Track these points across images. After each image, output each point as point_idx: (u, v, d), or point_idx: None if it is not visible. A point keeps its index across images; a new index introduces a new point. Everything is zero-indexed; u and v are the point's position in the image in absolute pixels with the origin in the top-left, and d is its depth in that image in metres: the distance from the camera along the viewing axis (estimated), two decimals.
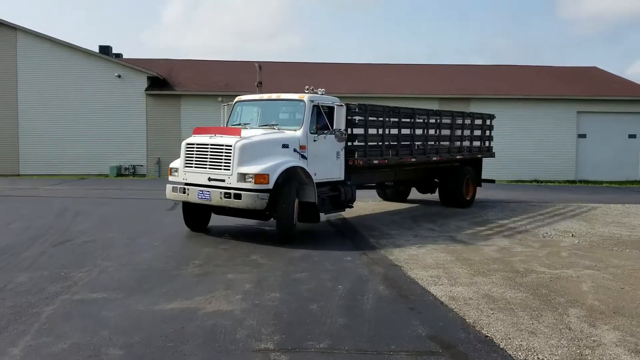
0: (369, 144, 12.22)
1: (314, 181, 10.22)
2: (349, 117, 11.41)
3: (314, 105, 10.64)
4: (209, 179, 9.81)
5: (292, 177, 9.98)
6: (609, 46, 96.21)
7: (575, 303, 6.55)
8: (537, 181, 27.21)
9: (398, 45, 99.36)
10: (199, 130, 10.52)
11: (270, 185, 9.44)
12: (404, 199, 16.66)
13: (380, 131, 12.57)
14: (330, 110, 10.81)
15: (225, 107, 12.18)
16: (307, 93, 10.96)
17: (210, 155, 9.89)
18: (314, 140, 10.52)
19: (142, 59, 31.15)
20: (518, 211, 14.73)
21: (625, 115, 29.16)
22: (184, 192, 10.11)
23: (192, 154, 10.17)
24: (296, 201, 9.95)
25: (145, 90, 27.05)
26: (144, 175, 26.52)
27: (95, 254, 8.76)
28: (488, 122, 16.79)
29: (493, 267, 8.32)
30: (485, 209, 14.91)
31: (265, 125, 10.87)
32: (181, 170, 10.33)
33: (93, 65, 27.37)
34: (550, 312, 6.21)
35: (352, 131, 11.69)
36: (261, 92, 12.21)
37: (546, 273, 7.99)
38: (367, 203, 15.53)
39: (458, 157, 15.29)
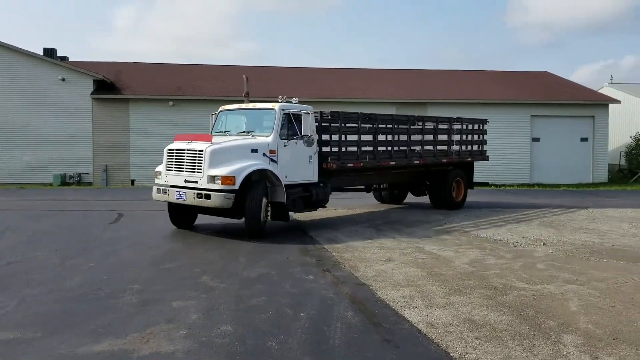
0: (347, 148, 12.91)
1: (286, 183, 11.05)
2: (324, 124, 12.32)
3: (284, 114, 11.36)
4: (185, 181, 10.74)
5: (260, 179, 10.84)
6: (554, 53, 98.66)
7: (567, 327, 5.73)
8: (495, 185, 26.89)
9: (348, 51, 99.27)
10: (178, 137, 11.54)
11: (236, 186, 10.25)
12: (399, 202, 17.16)
13: (355, 137, 13.08)
14: (300, 117, 11.45)
15: (213, 115, 12.95)
16: (280, 102, 11.65)
17: (187, 159, 10.79)
18: (285, 146, 11.26)
19: (88, 62, 29.42)
20: (482, 217, 14.05)
21: (577, 119, 29.26)
22: (165, 193, 11.02)
23: (172, 159, 11.11)
24: (264, 201, 10.74)
25: (91, 94, 25.45)
26: (90, 184, 24.86)
27: (17, 279, 7.48)
28: (479, 126, 16.98)
29: (469, 284, 7.47)
30: (450, 216, 14.17)
31: (243, 132, 11.74)
32: (163, 173, 11.25)
33: (36, 69, 25.64)
34: (543, 340, 5.37)
35: (329, 137, 12.50)
36: (249, 102, 13.18)
37: (527, 290, 7.19)
38: (335, 210, 14.59)
39: (444, 160, 15.56)
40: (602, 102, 29.96)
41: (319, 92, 26.87)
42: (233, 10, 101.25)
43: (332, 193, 12.74)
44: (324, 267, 8.37)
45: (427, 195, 16.20)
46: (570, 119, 29.16)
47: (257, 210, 10.54)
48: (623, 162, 33.12)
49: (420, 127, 14.88)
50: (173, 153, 11.12)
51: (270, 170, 10.86)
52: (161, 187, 11.20)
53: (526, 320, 5.94)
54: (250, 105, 12.48)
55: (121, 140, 25.27)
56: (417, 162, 14.73)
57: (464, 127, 16.28)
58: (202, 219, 12.09)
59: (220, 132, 12.17)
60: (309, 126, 11.41)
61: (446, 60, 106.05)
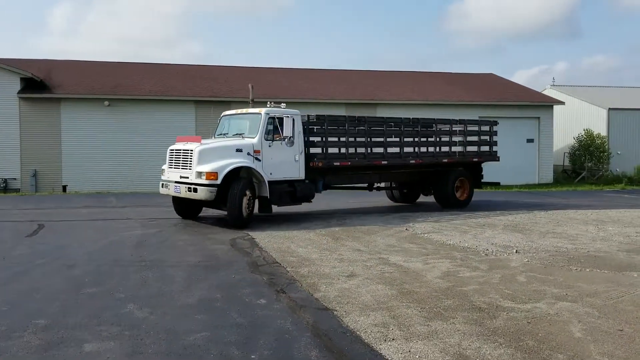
0: (341, 149, 14.06)
1: (271, 179, 12.27)
2: (310, 126, 13.53)
3: (269, 117, 12.52)
4: (180, 177, 12.16)
5: (247, 176, 12.15)
6: (493, 58, 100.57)
7: None
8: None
9: (297, 52, 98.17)
10: (179, 139, 12.90)
11: (219, 181, 11.51)
12: (411, 201, 17.64)
13: (343, 138, 14.02)
14: (290, 121, 12.61)
15: (219, 120, 14.11)
16: (267, 107, 12.92)
17: (182, 158, 12.18)
18: (269, 146, 12.39)
19: (15, 59, 26.90)
20: (442, 222, 13.03)
21: (523, 120, 29.02)
22: (167, 187, 12.52)
23: (172, 158, 12.56)
24: (247, 195, 11.85)
25: (18, 93, 23.09)
26: (17, 190, 22.53)
27: None
28: (487, 128, 17.11)
29: (449, 304, 6.29)
30: (409, 220, 13.08)
31: (236, 134, 12.90)
32: (166, 171, 12.79)
33: None
34: None
35: (320, 138, 13.62)
36: (254, 107, 14.35)
37: (516, 310, 6.07)
38: (283, 223, 13.24)
39: (445, 160, 15.91)
40: (547, 104, 29.87)
41: (269, 91, 25.43)
42: (178, 11, 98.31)
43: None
44: (278, 287, 7.03)
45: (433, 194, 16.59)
46: (517, 120, 28.85)
47: (238, 203, 11.64)
48: (567, 162, 33.21)
49: (417, 129, 15.36)
50: (173, 153, 12.63)
51: (253, 168, 12.04)
52: (164, 182, 12.72)
53: (530, 355, 4.79)
54: (244, 110, 13.71)
55: (52, 142, 23.04)
56: (413, 162, 15.20)
57: (467, 128, 16.55)
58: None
59: (221, 134, 13.49)
60: (289, 128, 12.51)
61: (392, 62, 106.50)
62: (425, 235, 11.11)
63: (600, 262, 8.63)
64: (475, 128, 16.91)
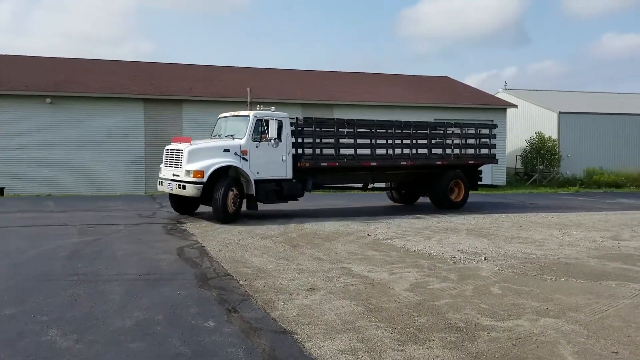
0: (339, 150, 14.52)
1: (257, 178, 12.87)
2: (299, 128, 14.09)
3: (257, 120, 13.15)
4: (173, 175, 12.82)
5: (235, 175, 12.80)
6: (444, 62, 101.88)
7: None
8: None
9: (252, 52, 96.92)
10: (174, 139, 13.61)
11: (205, 179, 12.17)
12: (410, 202, 17.66)
13: (332, 140, 14.46)
14: (275, 123, 13.11)
15: (216, 122, 14.73)
16: (255, 110, 13.69)
17: (175, 157, 12.85)
18: (256, 147, 13.00)
19: None
20: (404, 226, 12.38)
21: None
22: (162, 185, 13.27)
23: (167, 157, 13.27)
24: (232, 192, 12.45)
25: None
26: None
27: None
28: (485, 131, 17.15)
29: (422, 323, 5.56)
30: (370, 224, 12.36)
31: (228, 135, 13.46)
32: (162, 169, 13.47)
33: None
34: None
35: (312, 140, 14.13)
36: (252, 109, 14.26)
37: (497, 329, 5.39)
38: (234, 227, 12.28)
39: (438, 162, 16.01)
40: (500, 107, 29.86)
41: (221, 90, 24.36)
42: (129, 8, 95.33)
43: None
44: (229, 305, 6.14)
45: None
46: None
47: (222, 200, 12.21)
48: (519, 165, 33.37)
49: (408, 131, 15.54)
50: (167, 152, 13.35)
51: (239, 167, 12.64)
52: (160, 180, 13.44)
53: None
54: (235, 112, 14.19)
55: None
56: (404, 163, 15.42)
57: (464, 131, 16.60)
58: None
59: (216, 135, 14.09)
60: (274, 130, 12.98)
61: (348, 65, 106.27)
62: (388, 241, 10.40)
63: (573, 270, 8.11)
64: (473, 131, 16.97)
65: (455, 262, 8.57)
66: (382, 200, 18.24)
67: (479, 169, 17.47)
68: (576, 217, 14.35)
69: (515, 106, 30.54)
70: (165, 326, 5.38)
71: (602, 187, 26.93)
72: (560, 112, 33.35)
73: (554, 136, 32.43)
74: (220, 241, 10.11)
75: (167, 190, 13.13)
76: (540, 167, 31.19)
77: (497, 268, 8.18)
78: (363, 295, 6.61)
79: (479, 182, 17.51)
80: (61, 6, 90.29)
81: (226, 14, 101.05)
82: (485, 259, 8.81)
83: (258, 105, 14.21)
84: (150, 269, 7.94)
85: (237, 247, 9.54)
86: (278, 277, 7.42)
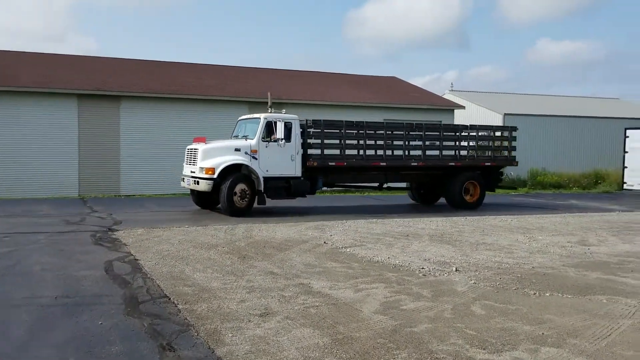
0: (344, 151, 15.08)
1: (266, 175, 13.81)
2: (308, 130, 14.61)
3: (267, 122, 14.01)
4: (190, 172, 14.05)
5: (247, 173, 13.77)
6: (389, 65, 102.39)
7: None
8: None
9: (198, 49, 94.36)
10: (195, 139, 14.39)
11: (215, 175, 13.28)
12: (430, 202, 17.69)
13: (338, 141, 15.06)
14: (282, 125, 13.89)
15: (236, 124, 15.65)
16: (266, 113, 14.57)
17: (192, 156, 14.05)
18: (266, 147, 13.91)
19: None
20: (362, 231, 11.34)
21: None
22: (184, 181, 14.44)
23: (187, 155, 14.46)
24: (240, 188, 13.42)
25: None
26: None
27: None
28: (506, 133, 17.22)
29: (404, 358, 4.47)
30: (325, 230, 11.25)
31: (244, 136, 14.44)
32: (185, 166, 14.62)
33: None
34: None
35: (320, 140, 14.77)
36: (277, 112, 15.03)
37: None
38: (175, 230, 10.87)
39: (451, 164, 16.18)
40: (449, 107, 29.46)
41: (165, 87, 22.66)
42: (69, 3, 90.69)
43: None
44: (164, 340, 4.86)
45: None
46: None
47: (226, 195, 13.23)
48: None
49: (420, 133, 15.81)
50: (188, 151, 14.53)
51: (249, 165, 13.67)
52: (183, 177, 14.54)
53: None
54: (251, 115, 15.26)
55: None
56: (415, 164, 15.67)
57: (480, 133, 16.76)
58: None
59: (236, 136, 14.98)
60: (282, 131, 13.82)
61: (294, 65, 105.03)
62: (347, 249, 9.31)
63: (554, 282, 7.25)
64: (486, 133, 17.15)
65: (424, 275, 7.56)
66: (377, 200, 17.19)
67: (500, 170, 17.60)
68: (536, 220, 13.72)
69: (463, 107, 30.23)
70: None
71: (547, 188, 26.89)
72: (505, 114, 33.38)
73: None
74: (157, 252, 8.72)
75: (186, 186, 14.36)
76: None
77: (473, 281, 7.22)
78: (328, 320, 5.48)
79: (499, 184, 17.73)
80: (1, 2, 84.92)
81: (171, 11, 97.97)
82: (456, 270, 7.85)
83: (269, 108, 15.00)
84: (69, 289, 6.53)
85: (177, 260, 8.20)
86: (225, 299, 6.18)
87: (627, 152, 24.27)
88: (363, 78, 32.50)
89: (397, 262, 8.37)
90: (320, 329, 5.22)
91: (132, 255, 8.54)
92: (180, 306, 5.88)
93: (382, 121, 16.59)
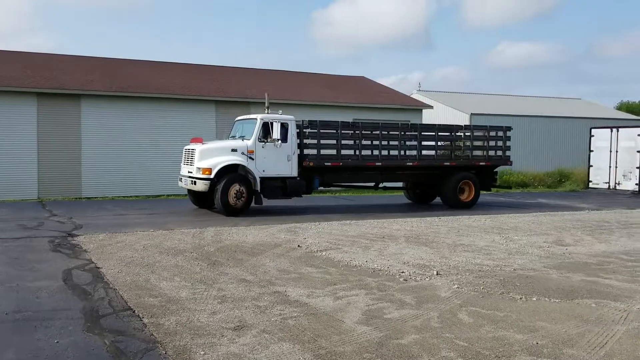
0: (340, 151, 15.00)
1: (263, 176, 13.82)
2: (305, 130, 14.58)
3: (263, 122, 13.97)
4: (188, 172, 14.16)
5: (241, 172, 13.82)
6: (356, 65, 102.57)
7: None
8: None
9: (164, 47, 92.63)
10: (192, 140, 14.54)
11: (212, 175, 13.39)
12: (425, 201, 17.73)
13: (334, 141, 15.00)
14: (278, 125, 13.89)
15: (233, 124, 15.66)
16: (263, 113, 14.49)
17: (190, 156, 14.13)
18: (262, 147, 13.87)
19: None
20: (336, 233, 10.94)
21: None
22: (181, 181, 14.53)
23: (185, 156, 14.52)
24: (235, 188, 13.44)
25: None
26: None
27: None
28: (498, 133, 17.19)
29: None
30: (298, 233, 10.79)
31: (241, 136, 14.40)
32: (182, 167, 14.70)
33: None
34: None
35: (316, 141, 14.75)
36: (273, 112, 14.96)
37: None
38: (142, 235, 10.25)
39: (446, 163, 16.21)
40: (417, 107, 29.35)
41: (128, 86, 21.79)
42: (28, 2, 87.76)
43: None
44: None
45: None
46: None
47: (221, 194, 13.26)
48: None
49: (415, 133, 15.92)
50: (185, 152, 14.45)
51: (245, 166, 13.68)
52: (180, 177, 14.52)
53: None
54: (247, 116, 15.42)
55: None
56: (411, 164, 15.74)
57: (473, 133, 16.74)
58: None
59: (233, 137, 14.91)
60: (278, 132, 13.81)
61: (262, 64, 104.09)
62: (323, 253, 8.88)
63: (538, 286, 6.98)
64: (481, 133, 17.07)
65: (405, 280, 7.20)
66: (348, 200, 16.75)
67: (495, 170, 17.63)
68: (509, 220, 13.57)
69: (431, 107, 30.15)
70: None
71: (513, 187, 27.00)
72: (471, 114, 33.55)
73: None
74: (121, 259, 8.13)
75: (184, 185, 14.33)
76: None
77: (456, 286, 6.89)
78: (308, 333, 5.04)
79: (495, 183, 17.85)
80: None
81: (135, 10, 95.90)
82: (437, 274, 7.51)
83: (265, 109, 14.89)
84: (23, 303, 5.92)
85: (142, 268, 7.63)
86: (194, 310, 5.68)
87: (592, 151, 24.59)
88: (332, 77, 32.12)
89: (376, 266, 7.99)
90: (300, 343, 4.78)
91: (93, 262, 7.92)
92: (145, 320, 5.36)
93: (378, 121, 16.54)
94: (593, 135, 24.59)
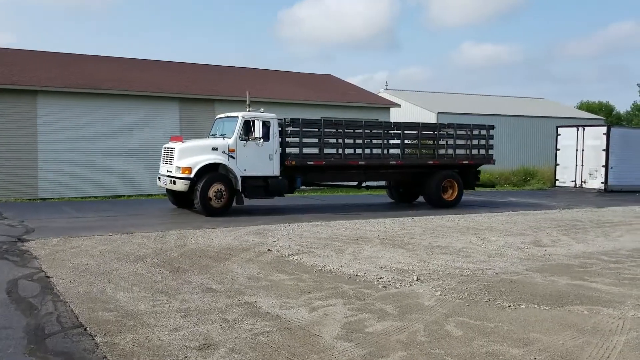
0: (324, 150, 14.74)
1: (245, 175, 13.58)
2: (287, 128, 14.31)
3: (245, 120, 13.73)
4: (167, 171, 13.74)
5: (222, 171, 13.52)
6: (321, 64, 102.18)
7: None
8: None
9: (124, 44, 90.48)
10: (171, 138, 14.17)
11: (192, 175, 13.03)
12: (410, 200, 17.48)
13: (317, 140, 14.69)
14: (260, 124, 13.65)
15: (213, 122, 15.37)
16: (244, 112, 14.33)
17: (169, 155, 13.75)
18: (244, 145, 13.62)
19: None
20: (307, 236, 10.38)
21: None
22: (160, 180, 14.10)
23: (164, 154, 14.14)
24: (215, 188, 13.13)
25: None
26: None
27: None
28: (484, 132, 17.10)
29: None
30: (267, 235, 10.21)
31: (221, 135, 14.15)
32: (161, 165, 14.28)
33: None
34: None
35: (298, 140, 14.42)
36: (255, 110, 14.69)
37: None
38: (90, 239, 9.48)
39: (430, 162, 16.03)
40: (385, 106, 29.06)
41: (87, 82, 20.71)
42: None
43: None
44: None
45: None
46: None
47: (200, 193, 12.87)
48: None
49: (398, 132, 15.69)
50: (164, 150, 14.09)
51: (226, 165, 13.33)
52: (159, 176, 14.07)
53: None
54: (227, 114, 14.79)
55: None
56: (394, 162, 15.54)
57: (457, 132, 16.50)
58: None
59: (213, 135, 14.54)
60: (260, 130, 13.58)
61: (228, 62, 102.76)
62: (295, 257, 8.33)
63: (524, 291, 6.58)
64: (465, 132, 16.85)
65: (385, 286, 6.71)
66: (319, 200, 16.15)
67: (478, 169, 17.54)
68: (483, 219, 13.26)
69: (398, 105, 29.87)
70: None
71: (480, 186, 26.93)
72: (438, 112, 33.50)
73: None
74: (74, 267, 7.39)
75: (162, 185, 13.94)
76: None
77: (439, 292, 6.43)
78: (283, 352, 4.48)
79: (477, 182, 17.76)
80: None
81: (97, 8, 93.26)
82: (417, 279, 7.05)
83: (247, 107, 14.67)
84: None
85: (97, 276, 6.92)
86: (155, 326, 5.05)
87: (559, 149, 24.68)
88: (299, 75, 31.52)
89: (352, 271, 7.48)
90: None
91: (43, 271, 7.17)
92: (98, 339, 4.71)
93: (361, 120, 16.36)
94: (560, 134, 24.69)
